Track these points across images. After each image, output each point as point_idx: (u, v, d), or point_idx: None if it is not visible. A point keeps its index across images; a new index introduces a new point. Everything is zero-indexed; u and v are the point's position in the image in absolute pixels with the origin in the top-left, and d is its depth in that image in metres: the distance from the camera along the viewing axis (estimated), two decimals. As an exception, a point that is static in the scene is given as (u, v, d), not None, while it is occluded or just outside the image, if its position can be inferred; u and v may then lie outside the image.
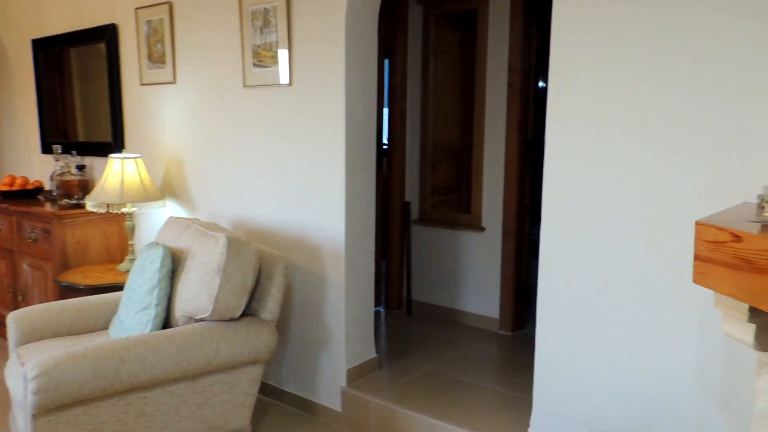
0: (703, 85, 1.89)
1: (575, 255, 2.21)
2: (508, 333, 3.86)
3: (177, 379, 2.35)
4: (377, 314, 4.04)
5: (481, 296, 3.97)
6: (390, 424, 2.78)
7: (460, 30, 4.18)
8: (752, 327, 1.35)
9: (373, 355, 3.13)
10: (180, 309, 2.51)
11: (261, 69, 3.06)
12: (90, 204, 3.36)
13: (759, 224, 1.35)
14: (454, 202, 4.39)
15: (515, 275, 3.81)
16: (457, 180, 4.36)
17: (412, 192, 4.24)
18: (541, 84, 4.83)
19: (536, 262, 2.37)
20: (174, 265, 2.58)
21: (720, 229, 1.34)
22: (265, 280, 2.58)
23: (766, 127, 1.79)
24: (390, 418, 2.78)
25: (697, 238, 1.41)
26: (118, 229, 3.80)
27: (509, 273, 3.81)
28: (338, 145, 2.81)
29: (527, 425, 2.44)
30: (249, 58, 3.09)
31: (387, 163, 4.22)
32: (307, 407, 3.07)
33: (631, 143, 2.05)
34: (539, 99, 3.95)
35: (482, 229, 3.91)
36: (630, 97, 2.04)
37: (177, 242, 2.69)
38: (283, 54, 2.95)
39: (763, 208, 1.34)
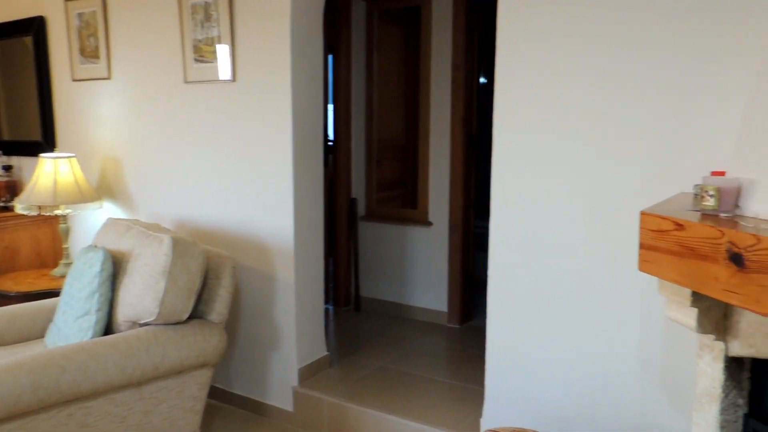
0: (641, 87, 1.96)
1: (524, 248, 2.25)
2: (457, 326, 3.91)
3: (122, 387, 2.25)
4: (326, 312, 4.01)
5: (430, 290, 4.00)
6: (343, 421, 2.77)
7: (404, 26, 4.20)
8: (694, 311, 1.42)
9: (324, 353, 3.11)
10: (123, 314, 2.41)
11: (203, 64, 2.97)
12: (20, 206, 3.18)
13: (699, 213, 1.41)
14: (401, 198, 4.41)
15: (462, 268, 3.86)
16: (403, 175, 4.38)
17: (358, 188, 4.24)
18: (482, 80, 4.90)
19: (482, 255, 2.41)
20: (115, 268, 2.48)
21: (663, 218, 1.40)
22: (213, 281, 2.51)
23: (697, 125, 1.88)
24: (343, 416, 2.76)
25: (642, 228, 1.47)
26: (51, 233, 3.62)
27: (456, 266, 3.86)
28: (285, 142, 2.77)
29: (479, 415, 2.48)
30: (190, 53, 3.00)
31: (333, 160, 4.19)
32: (257, 409, 3.02)
33: (573, 140, 2.11)
34: (482, 95, 4.03)
35: (429, 223, 3.94)
36: (573, 97, 2.09)
37: (118, 244, 2.58)
38: (225, 49, 2.87)
39: (702, 197, 1.41)
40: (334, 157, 4.18)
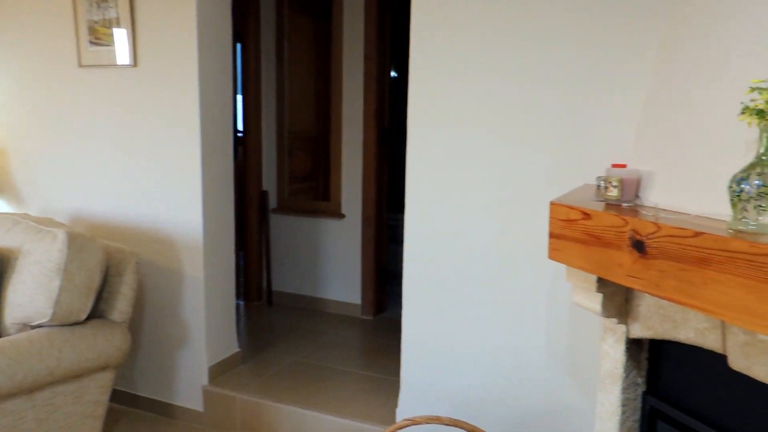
0: (549, 82, 2.04)
1: (438, 239, 2.29)
2: (371, 318, 3.92)
3: (11, 395, 2.07)
4: (237, 307, 3.90)
5: (343, 283, 3.99)
6: (256, 418, 2.70)
7: (315, 16, 4.13)
8: (599, 296, 1.49)
9: (236, 349, 3.02)
10: (12, 316, 2.21)
11: (99, 47, 2.78)
12: None
13: (603, 203, 1.48)
14: (313, 190, 4.35)
15: (375, 261, 3.87)
16: (316, 168, 4.33)
17: (269, 180, 4.14)
18: (393, 74, 4.93)
19: (395, 247, 2.43)
20: (1, 266, 2.27)
21: (572, 208, 1.45)
22: (114, 278, 2.37)
23: (600, 120, 1.97)
24: (256, 413, 2.70)
25: (552, 217, 1.52)
26: (-76, 229, 3.26)
27: (369, 259, 3.86)
28: (193, 132, 2.65)
29: (395, 405, 2.50)
30: (84, 35, 2.79)
31: (243, 152, 4.06)
32: (165, 411, 2.88)
33: (486, 133, 2.16)
34: (395, 88, 4.05)
35: (342, 216, 3.92)
36: (485, 91, 2.14)
37: (3, 241, 2.37)
38: (123, 33, 2.70)
39: (606, 188, 1.47)
40: (244, 148, 4.05)
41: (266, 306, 4.14)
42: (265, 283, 4.17)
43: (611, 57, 1.94)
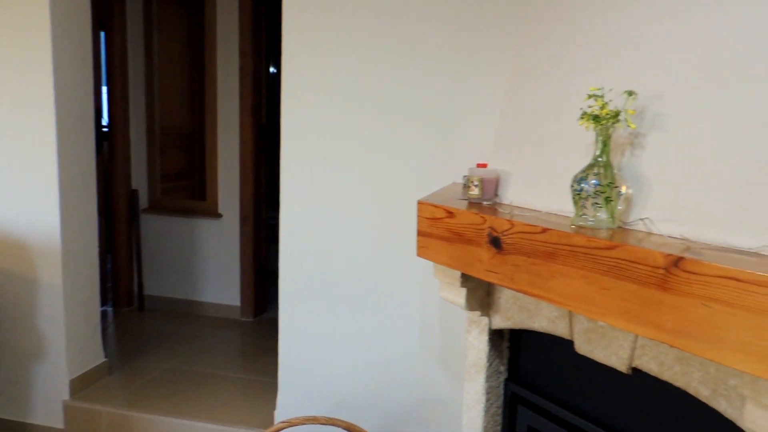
0: (416, 86, 2.10)
1: (313, 238, 2.28)
2: (251, 319, 3.84)
3: None
4: (104, 314, 3.66)
5: (221, 285, 3.87)
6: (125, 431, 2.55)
7: (187, 7, 3.96)
8: (463, 291, 1.56)
9: (102, 359, 2.83)
10: None
11: (-67, 30, 2.48)
12: None
13: (466, 201, 1.55)
14: (189, 189, 4.18)
15: (255, 261, 3.80)
16: (191, 166, 4.16)
17: (139, 179, 3.91)
18: (273, 69, 4.85)
19: (276, 247, 2.39)
20: None
21: (437, 206, 1.51)
22: (-46, 289, 2.13)
23: (467, 122, 2.06)
24: (124, 426, 2.54)
25: (419, 216, 1.57)
26: None
27: (248, 259, 3.78)
28: (47, 123, 2.44)
29: (274, 407, 2.47)
30: None
31: (108, 147, 3.81)
32: (19, 431, 2.64)
33: (358, 133, 2.18)
34: (273, 84, 3.98)
35: (219, 215, 3.80)
36: (360, 89, 2.16)
37: None
38: (-36, 14, 2.43)
39: (468, 187, 1.54)
40: (110, 144, 3.80)
41: (137, 311, 3.92)
42: (136, 288, 3.95)
43: (474, 69, 2.03)
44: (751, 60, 1.04)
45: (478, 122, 2.04)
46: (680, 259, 0.94)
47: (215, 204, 3.81)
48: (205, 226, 3.84)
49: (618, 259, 1.05)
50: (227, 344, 3.44)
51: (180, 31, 3.99)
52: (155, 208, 3.93)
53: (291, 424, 1.96)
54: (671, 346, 0.97)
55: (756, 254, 0.96)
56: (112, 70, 3.73)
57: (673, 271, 0.95)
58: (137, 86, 3.83)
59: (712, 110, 1.09)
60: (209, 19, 3.65)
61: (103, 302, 2.84)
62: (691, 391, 1.12)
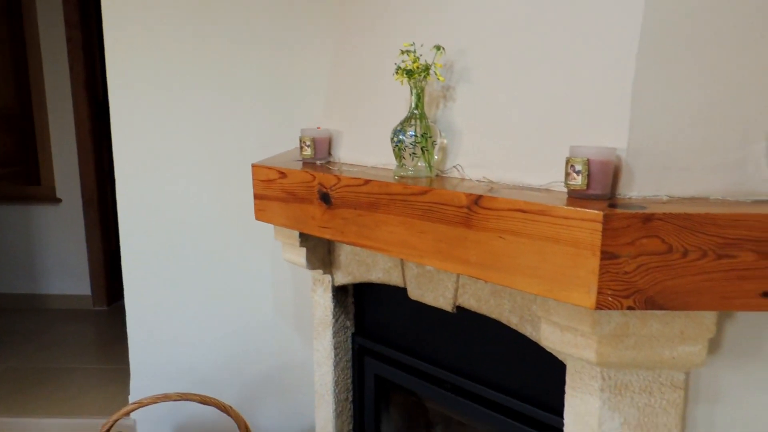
0: (251, 51, 2.06)
1: (153, 213, 2.19)
2: (105, 308, 3.62)
3: None
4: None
5: (68, 275, 3.60)
6: (-41, 441, 2.33)
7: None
8: (303, 251, 1.58)
9: (-75, 367, 2.55)
10: None
11: None
12: None
13: (301, 162, 1.57)
14: (20, 174, 3.81)
15: (104, 246, 3.57)
16: (20, 149, 3.78)
17: (-41, 166, 3.51)
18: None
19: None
20: None
21: (270, 168, 1.51)
22: None
23: (301, 88, 2.06)
24: (-42, 435, 2.32)
25: (254, 179, 1.56)
26: None
27: (96, 245, 3.55)
28: None
29: (129, 394, 2.36)
30: None
31: None
32: None
33: (194, 102, 2.11)
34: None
35: (58, 200, 3.52)
36: (190, 60, 2.08)
37: None
38: None
39: (302, 148, 1.56)
40: None
41: (-29, 312, 3.56)
42: (-34, 286, 3.57)
43: (307, 42, 2.03)
44: (535, 17, 1.15)
45: (317, 87, 2.05)
46: (479, 197, 1.03)
47: (52, 188, 3.52)
48: (42, 213, 3.54)
49: (430, 203, 1.12)
50: (78, 336, 3.23)
51: (-6, -1, 3.59)
52: (-18, 197, 3.55)
53: (141, 404, 1.89)
54: (477, 279, 1.05)
55: (546, 190, 1.07)
56: None
57: (474, 209, 1.04)
58: (-54, 61, 3.41)
59: (506, 63, 1.19)
60: (26, -16, 3.32)
61: None
62: (504, 321, 1.24)
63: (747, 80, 0.98)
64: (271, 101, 2.09)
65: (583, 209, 0.88)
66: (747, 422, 1.07)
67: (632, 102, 0.97)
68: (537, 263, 0.96)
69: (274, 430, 2.27)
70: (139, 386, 2.31)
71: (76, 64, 3.35)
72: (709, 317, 0.97)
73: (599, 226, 0.86)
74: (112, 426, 1.91)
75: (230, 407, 1.92)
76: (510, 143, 1.16)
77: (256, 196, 1.57)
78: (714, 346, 1.04)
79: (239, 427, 1.93)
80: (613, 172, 0.98)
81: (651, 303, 0.88)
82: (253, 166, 1.56)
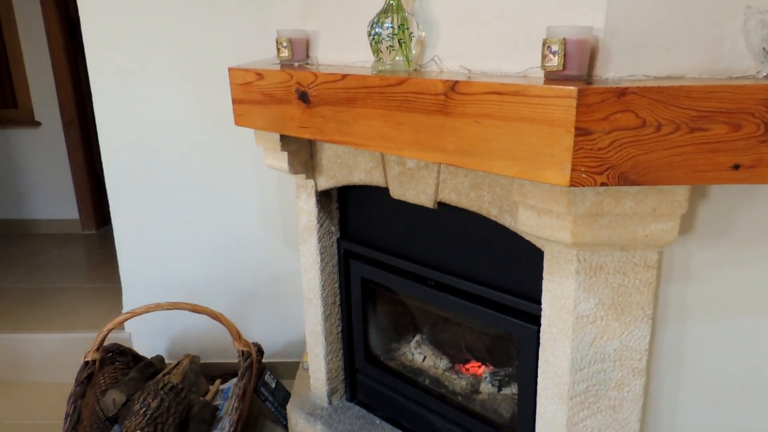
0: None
1: (135, 134, 2.15)
2: (94, 231, 3.64)
3: None
4: None
5: (54, 199, 3.59)
6: (-41, 357, 2.39)
7: None
8: (285, 155, 1.57)
9: None
10: None
11: None
12: None
13: (279, 64, 1.53)
14: (-4, 98, 3.72)
15: (88, 168, 3.54)
16: (-7, 71, 3.68)
17: (-69, 90, 3.42)
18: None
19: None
20: None
21: (247, 70, 1.48)
22: None
23: (283, -14, 1.99)
24: (-43, 351, 2.38)
25: (232, 83, 1.53)
26: None
27: (80, 167, 3.51)
28: None
29: (122, 309, 2.41)
30: None
31: None
32: None
33: (168, 10, 2.03)
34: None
35: (37, 123, 3.45)
36: (159, -44, 1.99)
37: None
38: None
39: (279, 50, 1.52)
40: None
41: (-41, 238, 3.56)
42: (-48, 213, 3.56)
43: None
44: None
45: (293, -10, 1.98)
46: (455, 83, 1.02)
47: (30, 111, 3.44)
48: (21, 136, 3.48)
49: (407, 93, 1.10)
50: (68, 258, 3.25)
51: None
52: (-42, 122, 3.48)
53: (134, 313, 1.94)
54: (456, 166, 1.06)
55: (523, 76, 1.06)
56: None
57: (450, 95, 1.03)
58: None
59: (485, -56, 1.14)
60: None
61: None
62: (484, 213, 1.25)
63: (729, -48, 0.95)
64: (247, 4, 2.02)
65: (557, 86, 0.87)
66: (717, 299, 1.11)
67: (611, -23, 0.95)
68: (513, 145, 0.96)
69: (266, 337, 2.34)
70: (131, 301, 2.35)
71: (43, -22, 3.20)
72: (681, 193, 0.99)
73: (573, 102, 0.86)
74: (106, 336, 1.96)
75: (221, 315, 1.97)
76: (487, 30, 1.13)
77: (235, 101, 1.54)
78: (687, 226, 1.07)
79: (231, 334, 1.99)
80: (590, 53, 0.97)
81: (624, 179, 0.90)
82: (230, 69, 1.53)
